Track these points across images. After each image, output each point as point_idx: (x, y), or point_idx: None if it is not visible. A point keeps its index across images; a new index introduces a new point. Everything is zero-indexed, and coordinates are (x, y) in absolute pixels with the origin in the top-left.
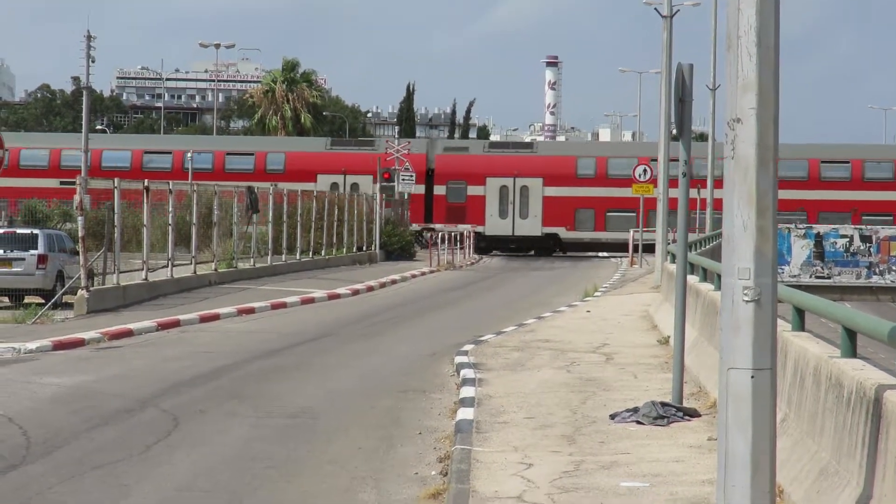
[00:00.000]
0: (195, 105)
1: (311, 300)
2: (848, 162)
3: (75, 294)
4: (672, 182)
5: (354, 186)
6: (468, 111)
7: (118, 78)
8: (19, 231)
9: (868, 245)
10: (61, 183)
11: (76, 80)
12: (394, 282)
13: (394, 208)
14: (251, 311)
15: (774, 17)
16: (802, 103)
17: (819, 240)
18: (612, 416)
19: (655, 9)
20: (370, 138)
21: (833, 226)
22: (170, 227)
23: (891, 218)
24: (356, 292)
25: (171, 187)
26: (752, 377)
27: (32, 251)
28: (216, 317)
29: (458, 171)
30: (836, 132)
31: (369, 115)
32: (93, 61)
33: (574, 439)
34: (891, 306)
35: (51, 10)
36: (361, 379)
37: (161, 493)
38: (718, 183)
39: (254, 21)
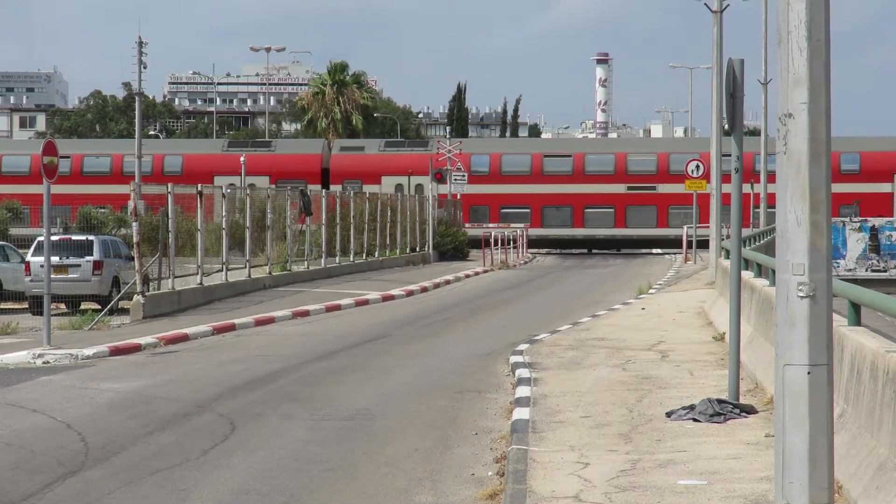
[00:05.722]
0: (247, 109)
1: (366, 302)
2: None
3: (131, 299)
4: (725, 177)
5: (251, 187)
6: (516, 109)
7: (170, 83)
8: (75, 237)
9: None
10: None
11: (128, 85)
12: (448, 282)
13: (446, 209)
14: (306, 313)
15: (825, 10)
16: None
17: (874, 233)
18: (669, 414)
19: (705, 4)
20: (266, 140)
21: (888, 219)
22: (223, 232)
23: None
24: (410, 293)
25: (224, 192)
26: (809, 373)
27: (88, 257)
28: (271, 320)
29: (354, 171)
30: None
31: (420, 115)
32: (145, 67)
33: (630, 438)
34: None
35: (103, 17)
36: (417, 380)
37: (219, 497)
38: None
39: (305, 23)
